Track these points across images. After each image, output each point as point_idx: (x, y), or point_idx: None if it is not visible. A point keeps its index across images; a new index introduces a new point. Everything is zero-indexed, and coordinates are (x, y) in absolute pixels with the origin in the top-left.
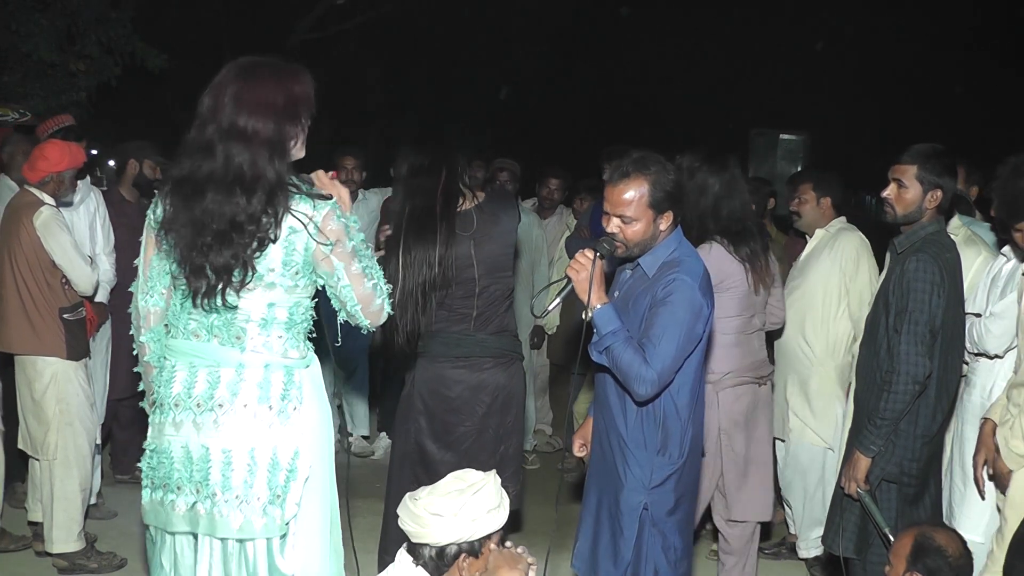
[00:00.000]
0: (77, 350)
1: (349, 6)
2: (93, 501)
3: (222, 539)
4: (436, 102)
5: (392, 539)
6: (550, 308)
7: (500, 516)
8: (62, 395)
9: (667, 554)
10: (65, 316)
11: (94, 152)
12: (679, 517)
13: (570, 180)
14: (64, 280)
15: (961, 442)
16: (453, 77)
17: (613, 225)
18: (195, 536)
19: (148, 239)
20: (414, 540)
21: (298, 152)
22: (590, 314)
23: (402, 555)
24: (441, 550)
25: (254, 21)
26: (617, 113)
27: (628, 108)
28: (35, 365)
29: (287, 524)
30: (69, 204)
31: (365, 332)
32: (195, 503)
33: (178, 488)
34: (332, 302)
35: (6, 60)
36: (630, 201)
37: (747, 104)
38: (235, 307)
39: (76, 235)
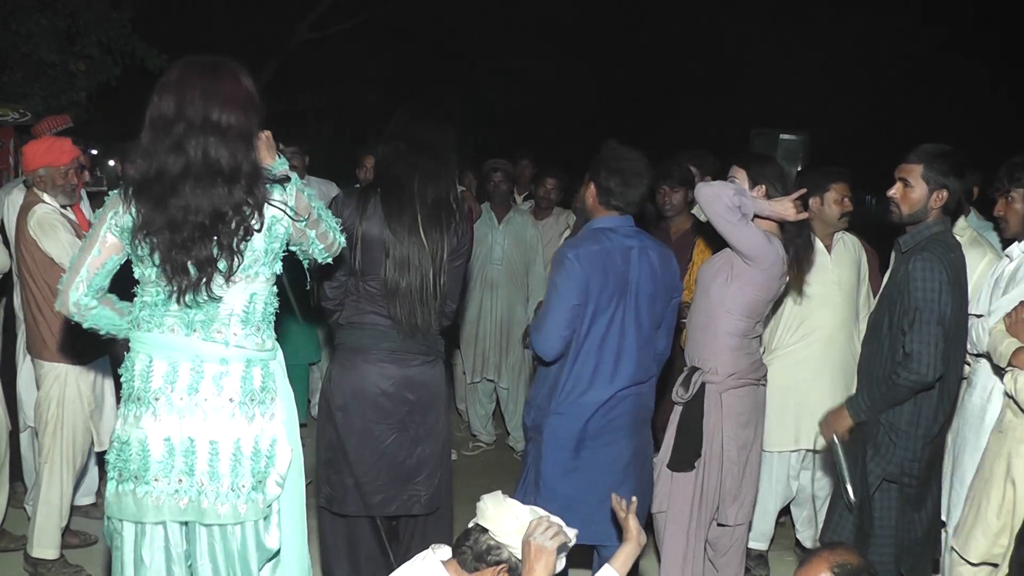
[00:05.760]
0: (81, 355)
1: (349, 6)
2: (93, 500)
3: (208, 525)
4: (435, 102)
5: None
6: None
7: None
8: (61, 399)
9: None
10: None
11: (94, 152)
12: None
13: (567, 181)
14: None
15: (962, 444)
16: (453, 76)
17: None
18: (184, 523)
19: (102, 244)
20: (483, 522)
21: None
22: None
23: (430, 553)
24: (497, 545)
25: (254, 21)
26: (616, 113)
27: (627, 108)
28: (41, 366)
29: (269, 506)
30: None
31: (322, 261)
32: (176, 492)
33: (155, 480)
34: (299, 256)
35: (6, 60)
36: None
37: (747, 104)
38: (219, 300)
39: None
